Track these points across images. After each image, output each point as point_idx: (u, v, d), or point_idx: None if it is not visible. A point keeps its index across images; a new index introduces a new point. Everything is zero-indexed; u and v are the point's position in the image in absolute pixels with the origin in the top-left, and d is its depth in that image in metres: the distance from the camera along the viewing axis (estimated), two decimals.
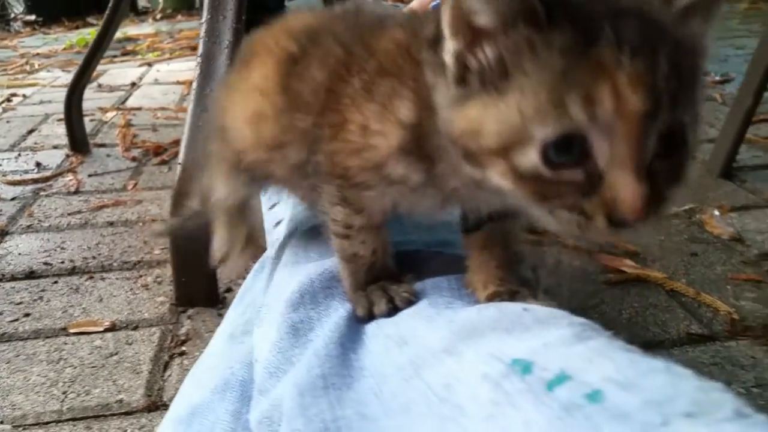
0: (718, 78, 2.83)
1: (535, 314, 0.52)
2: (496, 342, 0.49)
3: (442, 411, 0.46)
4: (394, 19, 0.64)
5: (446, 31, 0.48)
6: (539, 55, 0.44)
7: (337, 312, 0.63)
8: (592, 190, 0.45)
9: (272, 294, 0.73)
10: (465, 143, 0.48)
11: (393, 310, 0.61)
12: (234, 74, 0.80)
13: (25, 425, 0.94)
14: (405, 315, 0.60)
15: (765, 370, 1.05)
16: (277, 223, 0.92)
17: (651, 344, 1.12)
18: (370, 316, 0.62)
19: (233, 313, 0.85)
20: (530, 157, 0.45)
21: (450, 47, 0.48)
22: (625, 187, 0.43)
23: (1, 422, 0.94)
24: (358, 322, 0.62)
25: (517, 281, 0.64)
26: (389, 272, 0.66)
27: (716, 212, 1.60)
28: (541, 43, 0.44)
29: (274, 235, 0.91)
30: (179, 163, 1.16)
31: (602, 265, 1.36)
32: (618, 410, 0.38)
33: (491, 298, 0.62)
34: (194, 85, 1.17)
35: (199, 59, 1.18)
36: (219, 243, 0.90)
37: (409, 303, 0.61)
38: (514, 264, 0.66)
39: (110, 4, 1.88)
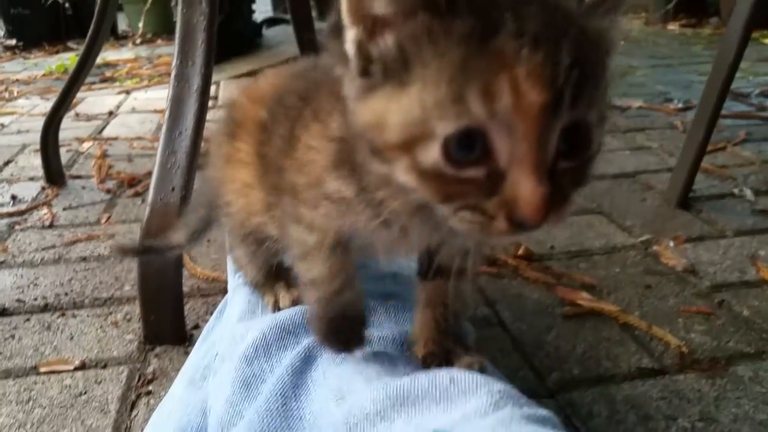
0: (680, 105, 2.91)
1: (460, 385, 0.55)
2: (424, 412, 0.53)
3: None
4: None
5: (345, 18, 0.46)
6: (438, 44, 0.43)
7: (283, 363, 0.67)
8: (494, 190, 0.44)
9: (228, 346, 0.77)
10: (370, 137, 0.47)
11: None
12: (223, 147, 0.82)
13: None
14: (350, 368, 0.64)
15: (710, 404, 1.10)
16: (238, 275, 0.97)
17: (603, 379, 1.17)
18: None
19: (195, 356, 0.88)
20: (432, 154, 0.43)
21: (350, 36, 0.47)
22: (525, 187, 0.42)
23: None
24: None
25: (452, 340, 0.68)
26: (356, 312, 0.66)
27: (671, 244, 1.66)
28: (441, 31, 0.43)
29: (235, 280, 0.95)
30: (147, 204, 1.20)
31: (559, 297, 1.41)
32: None
33: (427, 358, 0.66)
34: (163, 128, 1.21)
35: (168, 103, 1.23)
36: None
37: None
38: (452, 324, 0.70)
39: (88, 37, 1.92)
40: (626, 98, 3.04)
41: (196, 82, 1.23)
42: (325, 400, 0.60)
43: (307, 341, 0.69)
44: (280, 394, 0.62)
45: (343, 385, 0.61)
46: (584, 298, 1.40)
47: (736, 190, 1.99)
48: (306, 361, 0.66)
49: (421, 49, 0.43)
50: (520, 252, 1.60)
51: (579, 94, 0.42)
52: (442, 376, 0.58)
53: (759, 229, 1.74)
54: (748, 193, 1.97)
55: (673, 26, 5.36)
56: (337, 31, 0.48)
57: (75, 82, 2.01)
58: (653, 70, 3.71)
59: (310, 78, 0.68)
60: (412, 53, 0.44)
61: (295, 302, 0.80)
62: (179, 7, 1.24)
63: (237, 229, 0.81)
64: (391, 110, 0.45)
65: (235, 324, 0.82)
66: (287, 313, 0.75)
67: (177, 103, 1.23)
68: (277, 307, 0.81)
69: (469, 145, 0.43)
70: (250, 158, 0.73)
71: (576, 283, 1.47)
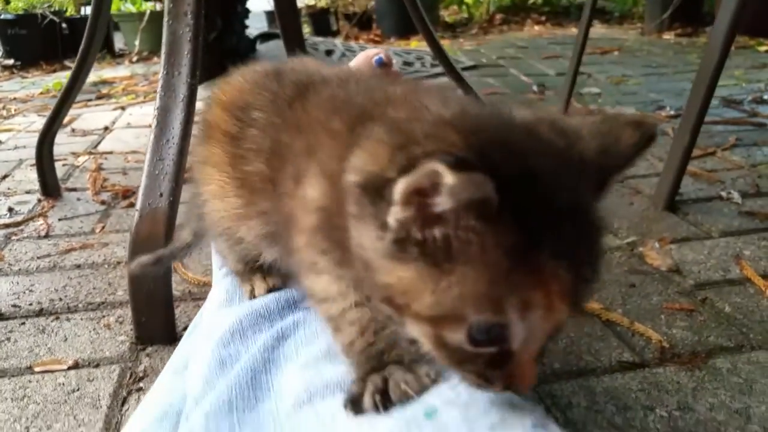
0: (672, 112, 2.95)
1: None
2: None
3: None
4: (315, 87, 0.67)
5: (397, 196, 0.45)
6: (485, 249, 0.45)
7: (257, 344, 0.69)
8: (499, 365, 0.49)
9: (206, 333, 0.80)
10: (391, 296, 0.49)
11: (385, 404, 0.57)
12: (198, 148, 0.84)
13: None
14: (323, 345, 0.67)
15: (687, 395, 1.13)
16: (221, 268, 1.00)
17: (583, 372, 1.19)
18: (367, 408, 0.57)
19: (181, 348, 0.91)
20: (458, 335, 0.48)
21: (397, 213, 0.46)
22: (528, 369, 0.49)
23: None
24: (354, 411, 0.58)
25: None
26: (399, 358, 0.62)
27: (656, 245, 1.69)
28: (490, 238, 0.45)
29: (218, 275, 0.98)
30: (136, 210, 1.23)
31: None
32: (442, 423, 0.46)
33: None
34: (151, 136, 1.25)
35: (155, 112, 1.26)
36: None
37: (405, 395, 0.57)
38: None
39: (80, 53, 1.96)
40: (619, 106, 3.09)
41: (182, 91, 1.27)
42: (292, 372, 0.63)
43: (280, 324, 0.72)
44: (251, 368, 0.65)
45: (309, 358, 0.64)
46: None
47: (723, 193, 2.02)
48: (279, 339, 0.69)
49: (468, 247, 0.45)
50: None
51: (591, 294, 0.50)
52: None
53: (744, 229, 1.77)
54: (736, 196, 2.00)
55: (668, 36, 5.42)
56: (375, 190, 0.47)
57: (67, 97, 2.05)
58: (647, 78, 3.75)
59: (280, 101, 0.69)
60: (458, 248, 0.46)
61: (270, 290, 0.83)
62: (165, 20, 1.28)
63: (213, 228, 0.84)
64: (424, 287, 0.47)
65: (214, 312, 0.85)
66: (262, 301, 0.78)
67: (164, 112, 1.26)
68: (253, 295, 0.84)
69: (491, 333, 0.47)
70: (223, 166, 0.74)
71: None
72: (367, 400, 0.56)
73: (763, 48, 4.49)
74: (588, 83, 3.65)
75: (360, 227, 0.50)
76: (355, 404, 0.56)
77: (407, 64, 4.21)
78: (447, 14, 7.00)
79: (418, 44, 5.16)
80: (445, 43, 5.41)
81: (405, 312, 0.49)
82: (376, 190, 0.47)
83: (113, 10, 5.44)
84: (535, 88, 3.60)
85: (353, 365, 0.61)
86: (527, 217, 0.45)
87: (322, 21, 5.98)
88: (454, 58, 4.52)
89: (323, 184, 0.56)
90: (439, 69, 3.57)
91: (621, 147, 0.52)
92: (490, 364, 0.49)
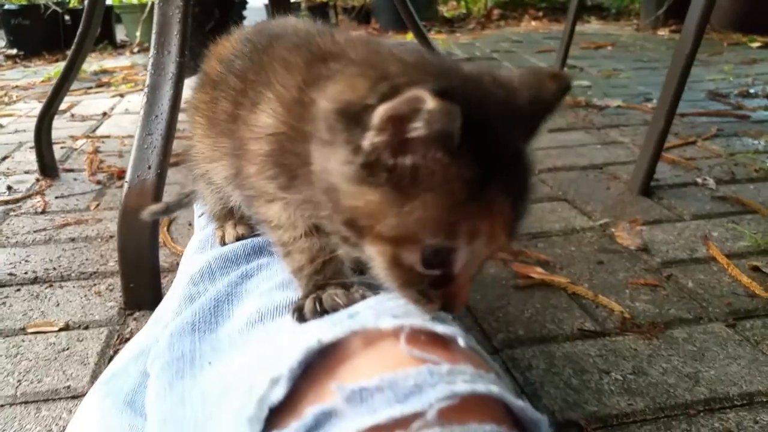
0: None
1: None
2: None
3: (266, 347, 0.60)
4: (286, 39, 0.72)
5: (376, 120, 0.49)
6: (447, 179, 0.51)
7: (224, 280, 0.76)
8: (441, 284, 0.55)
9: (180, 276, 0.87)
10: (355, 217, 0.54)
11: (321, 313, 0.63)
12: (194, 94, 0.90)
13: None
14: (275, 281, 0.74)
15: (643, 361, 1.19)
16: (200, 215, 1.07)
17: (545, 339, 1.26)
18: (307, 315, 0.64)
19: (162, 304, 0.99)
20: (413, 255, 0.53)
21: (372, 137, 0.50)
22: (462, 291, 0.56)
23: None
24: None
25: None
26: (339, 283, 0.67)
27: (627, 226, 1.76)
28: (451, 169, 0.50)
29: (197, 227, 1.06)
30: (126, 182, 1.30)
31: (514, 271, 1.51)
32: (359, 319, 0.53)
33: None
34: (141, 112, 1.32)
35: (146, 89, 1.33)
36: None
37: (337, 305, 0.63)
38: None
39: (74, 45, 2.03)
40: (606, 98, 3.14)
41: (171, 69, 1.34)
42: (250, 301, 0.70)
43: (246, 267, 0.79)
44: (215, 298, 0.72)
45: (265, 291, 0.71)
46: (537, 272, 1.50)
47: (699, 179, 2.08)
48: (243, 278, 0.76)
49: (431, 176, 0.51)
50: None
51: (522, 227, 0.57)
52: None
53: (716, 213, 1.84)
54: (711, 182, 2.06)
55: (663, 32, 5.46)
56: (352, 116, 0.51)
57: (65, 80, 2.11)
58: (637, 72, 3.80)
59: (255, 50, 0.75)
60: (423, 176, 0.51)
61: (239, 238, 0.90)
62: (156, 2, 1.35)
63: (195, 170, 0.90)
64: (388, 210, 0.52)
65: (189, 257, 0.92)
66: (231, 247, 0.86)
67: (154, 89, 1.33)
68: (223, 242, 0.91)
69: (440, 255, 0.54)
70: (205, 110, 0.81)
71: (531, 260, 1.57)
72: (307, 307, 0.62)
73: (755, 44, 4.54)
74: (579, 76, 3.71)
75: (329, 153, 0.54)
76: (299, 313, 0.62)
77: None
78: (446, 9, 7.05)
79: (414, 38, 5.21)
80: (441, 38, 5.48)
81: (366, 233, 0.54)
82: (352, 117, 0.51)
83: (115, 1, 5.52)
84: None
85: (300, 287, 0.67)
86: (482, 155, 0.51)
87: (321, 15, 6.04)
88: (448, 51, 4.59)
89: (278, 112, 0.62)
90: None
91: (545, 96, 0.58)
92: (433, 285, 0.55)
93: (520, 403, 0.49)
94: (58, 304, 1.37)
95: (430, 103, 0.46)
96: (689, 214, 1.82)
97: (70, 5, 5.40)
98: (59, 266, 1.54)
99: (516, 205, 0.53)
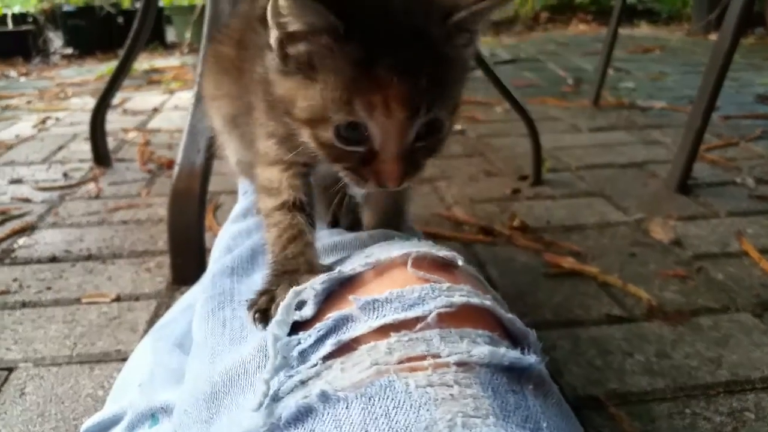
0: None
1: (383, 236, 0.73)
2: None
3: None
4: None
5: (270, 20, 0.58)
6: (337, 61, 0.57)
7: (260, 234, 0.82)
8: (369, 161, 0.61)
9: (220, 238, 0.94)
10: (285, 105, 0.63)
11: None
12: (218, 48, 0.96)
13: (43, 364, 1.17)
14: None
15: (666, 345, 1.23)
16: (245, 193, 1.14)
17: (573, 323, 1.30)
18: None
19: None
20: (327, 133, 0.60)
21: (273, 34, 0.60)
22: (387, 166, 0.60)
23: (26, 361, 1.18)
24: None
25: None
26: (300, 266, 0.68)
27: (661, 220, 1.78)
28: (339, 53, 0.57)
29: (239, 197, 1.14)
30: (177, 164, 1.39)
31: (545, 261, 1.55)
32: (374, 255, 0.59)
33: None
34: (192, 99, 1.40)
35: (197, 78, 1.41)
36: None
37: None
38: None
39: (128, 42, 2.13)
40: (650, 100, 3.15)
41: None
42: None
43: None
44: (251, 248, 0.79)
45: None
46: (568, 261, 1.54)
47: (738, 179, 2.09)
48: None
49: (324, 60, 0.58)
50: (515, 224, 1.74)
51: (434, 103, 0.59)
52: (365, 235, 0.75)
53: (752, 211, 1.85)
54: (750, 182, 2.06)
55: (714, 37, 5.38)
56: (264, 20, 0.60)
57: (117, 78, 2.23)
58: (684, 76, 3.79)
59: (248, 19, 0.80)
60: (317, 61, 0.58)
61: None
62: (208, 1, 1.43)
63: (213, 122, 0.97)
64: (300, 95, 0.60)
65: (230, 222, 0.99)
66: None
67: None
68: None
69: (354, 131, 0.59)
70: (221, 60, 0.88)
71: (564, 251, 1.60)
72: (259, 305, 0.62)
73: None
74: (625, 79, 3.72)
75: (267, 55, 0.64)
76: (254, 312, 0.62)
77: None
78: None
79: None
80: (486, 40, 5.51)
81: (294, 118, 0.62)
82: (264, 20, 0.60)
83: (166, 3, 5.68)
84: (570, 81, 3.68)
85: (268, 267, 0.69)
86: (371, 39, 0.56)
87: None
88: (493, 53, 4.62)
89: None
90: None
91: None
92: (361, 162, 0.61)
93: (509, 316, 0.55)
94: (110, 279, 1.47)
95: (281, 1, 0.55)
96: (725, 212, 1.84)
97: (124, 7, 5.58)
98: (112, 245, 1.64)
99: (412, 78, 0.56)
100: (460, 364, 0.46)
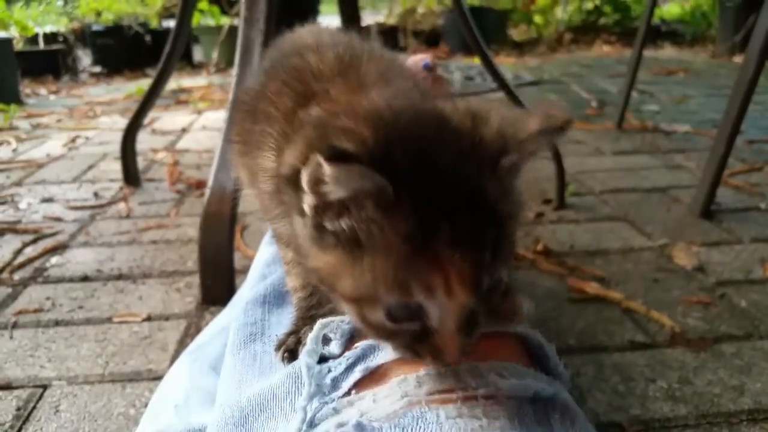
0: None
1: None
2: None
3: None
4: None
5: (305, 185, 0.49)
6: (387, 236, 0.48)
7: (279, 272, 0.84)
8: (424, 339, 0.52)
9: (256, 260, 0.97)
10: (321, 276, 0.54)
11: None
12: None
13: (76, 382, 1.20)
14: None
15: (689, 371, 1.23)
16: None
17: (596, 349, 1.31)
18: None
19: (240, 288, 1.09)
20: (377, 313, 0.51)
21: (308, 200, 0.50)
22: (448, 343, 0.51)
23: (60, 379, 1.21)
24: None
25: None
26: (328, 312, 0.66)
27: (685, 246, 1.78)
28: (388, 227, 0.48)
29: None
30: (208, 188, 1.42)
31: (569, 286, 1.56)
32: None
33: None
34: (225, 124, 1.43)
35: (229, 105, 1.45)
36: None
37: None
38: None
39: (161, 64, 2.18)
40: (674, 123, 3.15)
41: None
42: None
43: None
44: (283, 278, 0.81)
45: None
46: (592, 287, 1.54)
47: (762, 205, 2.09)
48: None
49: (372, 236, 0.49)
50: (539, 248, 1.75)
51: (495, 271, 0.51)
52: None
53: None
54: None
55: (738, 59, 5.38)
56: (294, 181, 0.50)
57: (148, 101, 2.28)
58: (708, 99, 3.78)
59: (272, 62, 0.74)
60: (363, 237, 0.49)
61: None
62: (241, 26, 1.47)
63: None
64: (344, 271, 0.51)
65: (264, 245, 1.02)
66: None
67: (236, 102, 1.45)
68: None
69: (408, 311, 0.51)
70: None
71: (587, 275, 1.61)
72: (287, 346, 0.64)
73: None
74: (649, 101, 3.73)
75: (293, 216, 0.55)
76: (282, 350, 0.63)
77: (468, 78, 4.36)
78: (516, 33, 7.11)
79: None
80: (510, 61, 5.55)
81: (334, 292, 0.54)
82: (294, 181, 0.51)
83: (193, 23, 5.78)
84: (594, 103, 3.69)
85: (295, 308, 0.69)
86: (424, 206, 0.48)
87: (391, 38, 6.19)
88: (517, 75, 4.64)
89: (275, 155, 0.61)
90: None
91: (519, 132, 0.51)
92: (415, 339, 0.52)
93: (537, 341, 0.56)
94: (140, 298, 1.50)
95: (326, 168, 0.45)
96: (748, 238, 1.83)
97: (152, 27, 5.69)
98: (142, 265, 1.68)
99: (475, 253, 0.49)
100: (487, 397, 0.48)
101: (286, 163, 0.53)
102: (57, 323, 1.40)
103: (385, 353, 0.53)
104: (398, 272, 0.48)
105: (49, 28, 5.70)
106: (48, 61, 5.34)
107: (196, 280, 1.54)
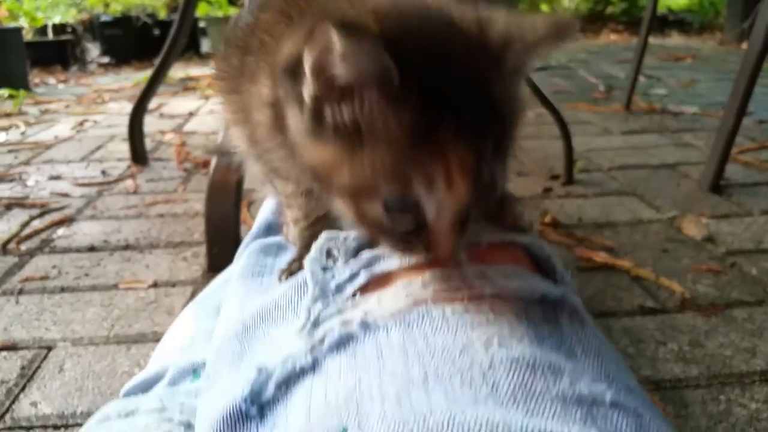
0: None
1: None
2: None
3: None
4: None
5: (306, 68, 0.47)
6: (389, 128, 0.47)
7: None
8: (418, 234, 0.51)
9: (259, 216, 0.96)
10: (318, 172, 0.52)
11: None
12: None
13: (81, 344, 1.20)
14: None
15: (700, 335, 1.22)
16: None
17: (605, 314, 1.30)
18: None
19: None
20: (375, 207, 0.50)
21: (309, 89, 0.48)
22: (442, 239, 0.50)
23: (64, 341, 1.21)
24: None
25: None
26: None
27: (694, 218, 1.77)
28: (392, 116, 0.47)
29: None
30: (213, 165, 1.43)
31: (576, 256, 1.55)
32: None
33: None
34: None
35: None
36: None
37: None
38: None
39: (165, 46, 2.18)
40: (682, 105, 3.14)
41: None
42: None
43: None
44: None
45: None
46: (600, 256, 1.53)
47: None
48: None
49: (373, 126, 0.47)
50: (547, 220, 1.74)
51: (495, 169, 0.50)
52: None
53: None
54: None
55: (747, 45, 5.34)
56: (294, 70, 0.49)
57: (157, 78, 2.27)
58: (717, 83, 3.76)
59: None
60: (365, 127, 0.47)
61: None
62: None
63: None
64: (342, 164, 0.49)
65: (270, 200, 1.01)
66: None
67: None
68: None
69: (405, 204, 0.49)
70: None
71: (596, 246, 1.60)
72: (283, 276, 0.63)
73: None
74: (656, 85, 3.71)
75: (289, 111, 0.52)
76: (287, 276, 0.62)
77: None
78: None
79: None
80: None
81: (331, 188, 0.52)
82: (294, 70, 0.49)
83: (201, 14, 5.78)
84: (601, 87, 3.67)
85: (295, 241, 0.68)
86: (429, 97, 0.46)
87: None
88: None
89: (271, 82, 0.57)
90: None
91: (525, 33, 0.51)
92: (409, 234, 0.51)
93: (542, 250, 0.55)
94: (147, 267, 1.50)
95: (337, 39, 0.43)
96: (759, 210, 1.82)
97: (160, 18, 5.69)
98: (149, 236, 1.67)
99: (478, 147, 0.48)
100: (494, 296, 0.47)
101: (284, 53, 0.51)
102: (63, 290, 1.40)
103: (390, 261, 0.52)
104: (399, 163, 0.47)
105: (57, 19, 5.71)
106: (57, 52, 5.36)
107: (202, 250, 1.54)
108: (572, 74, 4.19)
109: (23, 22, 4.86)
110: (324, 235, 0.56)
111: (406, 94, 0.46)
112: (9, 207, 1.90)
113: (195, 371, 0.76)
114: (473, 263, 0.51)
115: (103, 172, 2.25)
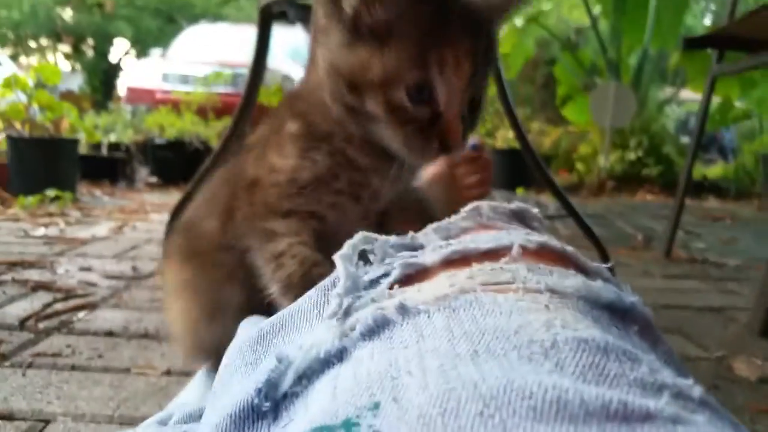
0: None
1: None
2: None
3: None
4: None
5: None
6: (412, 23, 0.63)
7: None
8: (433, 123, 0.65)
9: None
10: (353, 77, 0.65)
11: None
12: None
13: (82, 420, 1.12)
14: None
15: None
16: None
17: None
18: None
19: None
20: (399, 93, 0.64)
21: (348, 2, 0.64)
22: (453, 125, 0.65)
23: (65, 416, 1.12)
24: None
25: None
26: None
27: (745, 358, 1.65)
28: (415, 13, 0.63)
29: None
30: None
31: None
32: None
33: None
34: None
35: None
36: None
37: None
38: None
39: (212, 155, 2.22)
40: (722, 257, 3.06)
41: None
42: None
43: None
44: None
45: None
46: None
47: None
48: None
49: (401, 23, 0.63)
50: None
51: (480, 74, 0.67)
52: None
53: None
54: None
55: None
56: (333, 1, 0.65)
57: (194, 191, 2.30)
58: (758, 241, 3.71)
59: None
60: (394, 26, 0.63)
61: None
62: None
63: None
64: (374, 60, 0.64)
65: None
66: None
67: None
68: None
69: (422, 92, 0.64)
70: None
71: None
72: None
73: None
74: (695, 240, 3.65)
75: (328, 39, 0.67)
76: None
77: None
78: (558, 178, 7.11)
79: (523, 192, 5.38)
80: (551, 200, 5.54)
81: (363, 89, 0.65)
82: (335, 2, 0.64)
83: None
84: (639, 237, 3.62)
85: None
86: (444, 2, 0.64)
87: None
88: (559, 208, 4.62)
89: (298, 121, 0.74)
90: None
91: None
92: (426, 123, 0.65)
93: (594, 264, 0.48)
94: (163, 355, 1.43)
95: None
96: None
97: (211, 144, 5.89)
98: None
99: (475, 38, 0.65)
100: (553, 291, 0.40)
101: None
102: (73, 367, 1.33)
103: (430, 254, 0.45)
104: (419, 49, 0.63)
105: (113, 138, 5.94)
106: (108, 168, 5.54)
107: None
108: (609, 224, 4.16)
109: (81, 136, 5.05)
110: (360, 234, 0.51)
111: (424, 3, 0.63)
112: (35, 289, 1.87)
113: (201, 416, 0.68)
114: (525, 260, 0.44)
115: (134, 268, 2.23)
